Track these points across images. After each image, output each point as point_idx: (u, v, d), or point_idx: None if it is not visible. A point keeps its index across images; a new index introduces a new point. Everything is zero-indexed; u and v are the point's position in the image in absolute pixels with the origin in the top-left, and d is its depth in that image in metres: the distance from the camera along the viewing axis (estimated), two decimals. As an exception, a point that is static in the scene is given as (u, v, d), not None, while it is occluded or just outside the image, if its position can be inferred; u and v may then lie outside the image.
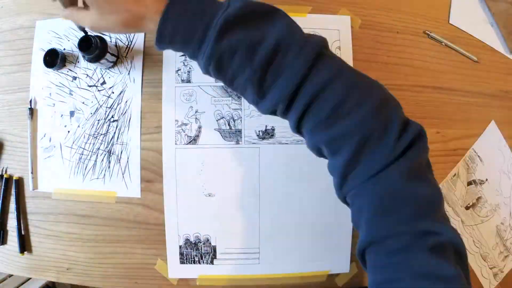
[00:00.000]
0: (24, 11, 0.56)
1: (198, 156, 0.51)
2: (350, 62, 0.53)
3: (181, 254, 0.52)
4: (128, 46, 0.53)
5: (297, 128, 0.34)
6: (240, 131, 0.52)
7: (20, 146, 0.54)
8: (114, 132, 0.52)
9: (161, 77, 0.52)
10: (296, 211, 0.52)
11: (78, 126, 0.53)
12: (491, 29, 0.58)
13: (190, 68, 0.52)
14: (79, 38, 0.47)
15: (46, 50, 0.52)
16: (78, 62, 0.54)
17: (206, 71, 0.34)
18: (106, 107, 0.53)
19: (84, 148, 0.52)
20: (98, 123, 0.52)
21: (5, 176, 0.53)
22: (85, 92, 0.53)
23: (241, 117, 0.52)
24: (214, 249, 0.52)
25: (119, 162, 0.52)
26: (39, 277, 0.54)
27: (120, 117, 0.52)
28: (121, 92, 0.53)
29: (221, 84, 0.52)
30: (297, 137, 0.52)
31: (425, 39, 0.56)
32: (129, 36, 0.53)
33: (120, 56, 0.53)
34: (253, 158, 0.52)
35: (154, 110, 0.52)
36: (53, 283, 0.96)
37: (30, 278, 0.87)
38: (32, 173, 0.53)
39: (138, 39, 0.53)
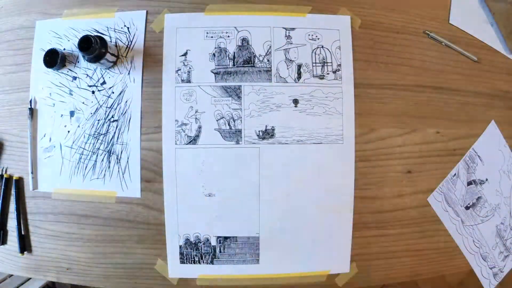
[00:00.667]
0: (24, 11, 0.56)
1: (198, 156, 0.51)
2: (350, 62, 0.53)
3: (181, 254, 0.52)
4: (128, 46, 0.53)
5: None
6: (240, 131, 0.52)
7: (20, 146, 0.54)
8: (114, 132, 0.52)
9: (161, 77, 0.52)
10: (296, 211, 0.52)
11: (78, 126, 0.53)
12: (491, 29, 0.58)
13: (190, 68, 0.52)
14: (79, 38, 0.47)
15: (46, 50, 0.52)
16: (78, 62, 0.54)
17: None
18: (106, 107, 0.53)
19: (84, 148, 0.52)
20: (98, 123, 0.52)
21: (5, 176, 0.53)
22: (85, 92, 0.53)
23: (241, 117, 0.52)
24: (214, 249, 0.52)
25: (119, 162, 0.52)
26: (39, 277, 0.54)
27: (120, 117, 0.52)
28: (121, 92, 0.53)
29: (221, 84, 0.52)
30: (297, 137, 0.52)
31: (425, 39, 0.56)
32: (129, 36, 0.53)
33: (120, 56, 0.53)
34: (253, 158, 0.52)
35: (154, 110, 0.52)
36: (53, 283, 0.96)
37: (30, 278, 0.87)
38: (32, 173, 0.53)
39: (138, 39, 0.53)
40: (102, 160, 0.52)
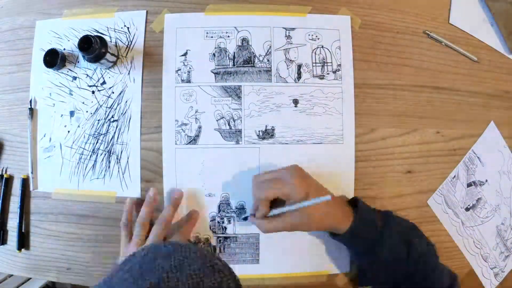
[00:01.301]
0: (24, 11, 0.56)
1: (198, 156, 0.51)
2: (350, 62, 0.53)
3: (181, 254, 0.52)
4: (128, 46, 0.53)
5: None
6: (240, 131, 0.52)
7: (20, 146, 0.54)
8: (114, 132, 0.52)
9: (161, 77, 0.52)
10: (296, 211, 0.52)
11: (78, 126, 0.53)
12: (491, 29, 0.58)
13: (190, 68, 0.52)
14: (79, 38, 0.47)
15: (46, 50, 0.52)
16: (78, 62, 0.54)
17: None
18: (106, 107, 0.53)
19: (84, 148, 0.52)
20: (98, 123, 0.53)
21: (5, 176, 0.53)
22: (85, 92, 0.53)
23: (241, 117, 0.52)
24: (214, 249, 0.52)
25: (119, 162, 0.52)
26: (39, 277, 0.54)
27: (120, 117, 0.52)
28: (121, 92, 0.53)
29: (221, 84, 0.52)
30: (297, 137, 0.52)
31: (425, 39, 0.56)
32: (129, 36, 0.53)
33: (120, 56, 0.53)
34: (253, 158, 0.52)
35: (154, 110, 0.52)
36: (53, 283, 0.96)
37: (30, 278, 0.87)
38: (32, 173, 0.53)
39: (138, 39, 0.53)
40: (102, 160, 0.52)
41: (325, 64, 0.53)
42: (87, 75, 0.53)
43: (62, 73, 0.54)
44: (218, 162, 0.51)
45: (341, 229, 0.44)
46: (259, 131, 0.52)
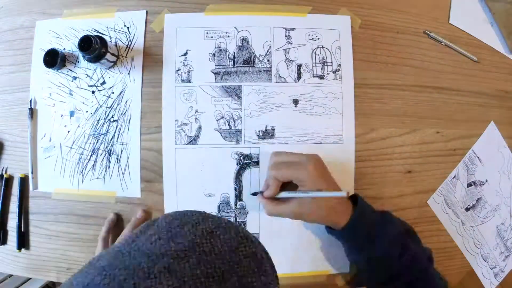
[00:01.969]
0: (24, 11, 0.56)
1: (198, 156, 0.51)
2: (350, 62, 0.53)
3: (181, 254, 0.52)
4: (128, 46, 0.53)
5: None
6: (240, 131, 0.52)
7: (20, 146, 0.54)
8: (114, 132, 0.52)
9: (161, 77, 0.52)
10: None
11: (78, 126, 0.53)
12: (491, 29, 0.58)
13: (190, 68, 0.52)
14: (79, 38, 0.47)
15: (46, 50, 0.52)
16: (78, 62, 0.54)
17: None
18: (106, 107, 0.53)
19: (84, 148, 0.52)
20: (98, 123, 0.52)
21: (5, 176, 0.53)
22: (85, 92, 0.53)
23: (241, 117, 0.52)
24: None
25: (119, 162, 0.52)
26: (39, 277, 0.54)
27: (120, 117, 0.52)
28: (121, 92, 0.53)
29: (221, 84, 0.52)
30: (297, 137, 0.52)
31: (425, 39, 0.56)
32: (129, 36, 0.53)
33: (120, 56, 0.53)
34: (253, 158, 0.52)
35: (154, 110, 0.52)
36: (53, 283, 0.96)
37: (30, 278, 0.87)
38: (32, 173, 0.53)
39: (138, 39, 0.53)
40: (102, 160, 0.52)
41: (325, 64, 0.53)
42: (87, 75, 0.53)
43: (62, 73, 0.54)
44: (218, 162, 0.51)
45: (339, 224, 0.44)
46: (259, 131, 0.52)
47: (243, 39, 0.53)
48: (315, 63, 0.53)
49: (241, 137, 0.52)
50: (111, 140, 0.52)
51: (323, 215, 0.44)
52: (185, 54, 0.53)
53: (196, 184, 0.51)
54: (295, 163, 0.44)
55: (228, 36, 0.53)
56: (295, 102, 0.52)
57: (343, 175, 0.52)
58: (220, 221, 0.27)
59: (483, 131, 0.57)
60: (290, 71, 0.53)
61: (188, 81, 0.52)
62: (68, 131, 0.53)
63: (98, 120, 0.52)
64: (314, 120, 0.52)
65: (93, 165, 0.52)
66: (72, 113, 0.53)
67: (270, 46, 0.53)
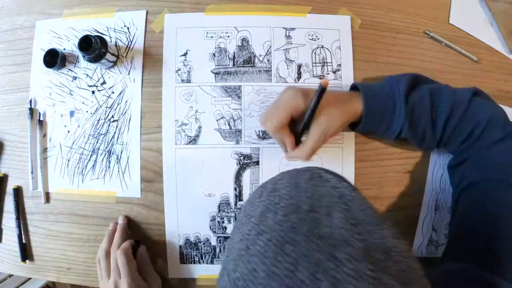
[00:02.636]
0: (24, 11, 0.56)
1: (198, 156, 0.51)
2: (350, 62, 0.53)
3: (181, 254, 0.52)
4: (128, 46, 0.53)
5: None
6: (240, 131, 0.52)
7: (20, 146, 0.54)
8: (114, 132, 0.52)
9: (161, 77, 0.52)
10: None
11: (78, 126, 0.53)
12: (491, 29, 0.58)
13: (190, 68, 0.52)
14: (79, 38, 0.47)
15: (46, 50, 0.52)
16: (78, 62, 0.54)
17: (401, 130, 0.45)
18: (106, 107, 0.53)
19: (84, 148, 0.52)
20: (98, 123, 0.53)
21: None
22: (85, 92, 0.53)
23: (241, 117, 0.52)
24: (214, 249, 0.52)
25: (119, 162, 0.52)
26: (39, 277, 0.54)
27: (120, 117, 0.52)
28: (121, 92, 0.53)
29: (221, 84, 0.52)
30: (297, 137, 0.52)
31: (425, 39, 0.56)
32: (129, 36, 0.53)
33: (120, 56, 0.53)
34: (253, 158, 0.52)
35: (154, 110, 0.52)
36: (53, 283, 0.96)
37: (30, 278, 0.87)
38: (32, 173, 0.53)
39: (138, 39, 0.53)
40: (102, 160, 0.52)
41: (325, 64, 0.53)
42: (87, 75, 0.53)
43: (62, 73, 0.54)
44: (218, 162, 0.51)
45: (358, 108, 0.44)
46: (259, 131, 0.52)
47: (243, 39, 0.53)
48: (315, 63, 0.53)
49: (241, 137, 0.52)
50: (111, 140, 0.52)
51: (339, 113, 0.43)
52: (185, 54, 0.53)
53: (196, 184, 0.51)
54: (277, 103, 0.44)
55: (228, 36, 0.53)
56: (295, 102, 0.52)
57: (343, 175, 0.52)
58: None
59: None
60: (290, 71, 0.53)
61: (188, 81, 0.52)
62: (68, 131, 0.53)
63: (98, 120, 0.52)
64: (314, 120, 0.52)
65: (93, 165, 0.52)
66: (72, 113, 0.53)
67: (270, 46, 0.53)
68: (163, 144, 0.52)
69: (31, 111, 0.53)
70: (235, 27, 0.53)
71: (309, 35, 0.53)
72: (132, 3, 0.54)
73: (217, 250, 0.52)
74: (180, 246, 0.52)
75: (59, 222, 0.53)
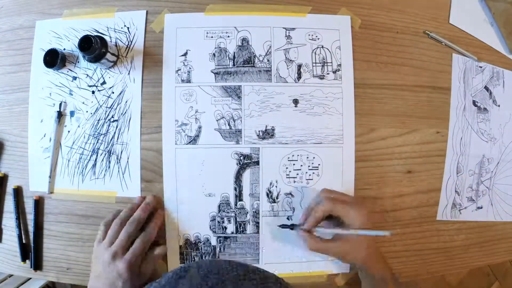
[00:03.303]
0: (24, 11, 0.56)
1: (198, 156, 0.51)
2: (350, 62, 0.53)
3: (181, 254, 0.52)
4: (128, 46, 0.53)
5: None
6: (240, 131, 0.52)
7: (20, 146, 0.54)
8: (114, 132, 0.52)
9: (161, 77, 0.52)
10: (296, 211, 0.52)
11: (78, 126, 0.53)
12: (491, 29, 0.58)
13: (190, 68, 0.52)
14: (79, 38, 0.47)
15: (46, 50, 0.52)
16: (78, 62, 0.54)
17: None
18: (106, 107, 0.53)
19: (84, 148, 0.52)
20: (98, 123, 0.53)
21: None
22: (85, 92, 0.53)
23: (241, 117, 0.52)
24: (214, 249, 0.52)
25: (119, 162, 0.52)
26: (39, 277, 0.54)
27: (120, 117, 0.52)
28: (121, 92, 0.53)
29: (221, 84, 0.52)
30: (297, 137, 0.52)
31: (425, 39, 0.56)
32: (129, 36, 0.53)
33: (120, 56, 0.53)
34: (253, 158, 0.52)
35: (154, 110, 0.52)
36: (53, 283, 0.96)
37: (30, 278, 0.87)
38: (50, 177, 0.52)
39: (138, 39, 0.53)
40: (102, 160, 0.52)
41: (325, 64, 0.53)
42: (87, 75, 0.53)
43: (62, 73, 0.54)
44: (218, 162, 0.51)
45: (372, 270, 0.45)
46: (259, 131, 0.52)
47: (243, 39, 0.53)
48: (315, 63, 0.53)
49: (241, 137, 0.52)
50: (111, 140, 0.52)
51: (365, 256, 0.45)
52: (185, 54, 0.53)
53: (196, 184, 0.51)
54: (351, 202, 0.47)
55: (228, 36, 0.53)
56: (295, 102, 0.52)
57: (343, 175, 0.52)
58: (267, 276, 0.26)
59: (483, 131, 0.57)
60: (290, 71, 0.53)
61: (188, 81, 0.52)
62: (68, 131, 0.53)
63: (98, 120, 0.53)
64: (314, 120, 0.52)
65: (93, 165, 0.52)
66: (72, 113, 0.53)
67: (270, 46, 0.53)
68: (163, 144, 0.52)
69: (59, 114, 0.53)
70: (235, 27, 0.53)
71: (309, 35, 0.54)
72: (132, 3, 0.54)
73: (217, 250, 0.52)
74: (180, 246, 0.52)
75: (59, 222, 0.53)
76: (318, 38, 0.54)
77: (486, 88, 0.56)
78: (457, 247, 0.55)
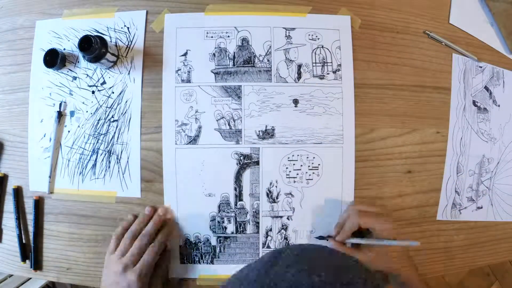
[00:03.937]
0: (24, 11, 0.56)
1: (198, 156, 0.51)
2: (350, 62, 0.53)
3: (181, 254, 0.52)
4: (128, 46, 0.53)
5: None
6: (240, 131, 0.52)
7: (20, 146, 0.54)
8: (114, 132, 0.52)
9: (161, 77, 0.52)
10: (296, 211, 0.52)
11: (78, 126, 0.53)
12: (491, 29, 0.58)
13: (190, 68, 0.52)
14: (79, 38, 0.47)
15: (46, 50, 0.52)
16: (78, 62, 0.54)
17: None
18: (106, 107, 0.53)
19: (84, 148, 0.52)
20: (98, 123, 0.53)
21: None
22: (85, 92, 0.53)
23: (241, 117, 0.52)
24: (214, 249, 0.52)
25: (119, 162, 0.52)
26: (39, 277, 0.54)
27: (120, 117, 0.52)
28: (121, 92, 0.53)
29: (221, 84, 0.52)
30: (297, 137, 0.52)
31: (425, 39, 0.56)
32: (129, 36, 0.53)
33: (120, 56, 0.53)
34: (253, 158, 0.52)
35: (154, 110, 0.52)
36: (53, 283, 0.96)
37: (30, 278, 0.87)
38: (50, 177, 0.52)
39: (138, 39, 0.53)
40: (102, 160, 0.52)
41: (325, 64, 0.53)
42: (87, 75, 0.53)
43: (62, 73, 0.54)
44: (218, 162, 0.51)
45: (407, 280, 0.47)
46: (259, 131, 0.52)
47: (243, 39, 0.53)
48: (315, 63, 0.53)
49: (241, 137, 0.52)
50: (111, 140, 0.52)
51: (389, 265, 0.47)
52: (185, 54, 0.53)
53: (196, 184, 0.51)
54: (377, 214, 0.48)
55: (228, 36, 0.53)
56: (295, 102, 0.52)
57: (343, 175, 0.52)
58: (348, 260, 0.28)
59: (483, 131, 0.57)
60: (290, 71, 0.53)
61: (188, 81, 0.52)
62: (68, 131, 0.53)
63: (98, 120, 0.53)
64: (314, 120, 0.52)
65: (93, 165, 0.52)
66: (72, 113, 0.53)
67: (270, 46, 0.53)
68: (163, 144, 0.52)
69: (59, 114, 0.53)
70: (235, 27, 0.53)
71: (309, 35, 0.54)
72: (132, 3, 0.54)
73: (217, 250, 0.52)
74: (180, 246, 0.52)
75: (59, 222, 0.53)
76: (318, 38, 0.54)
77: (486, 88, 0.56)
78: (457, 247, 0.55)
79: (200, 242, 0.52)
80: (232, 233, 0.52)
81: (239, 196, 0.52)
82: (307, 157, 0.52)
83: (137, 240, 0.46)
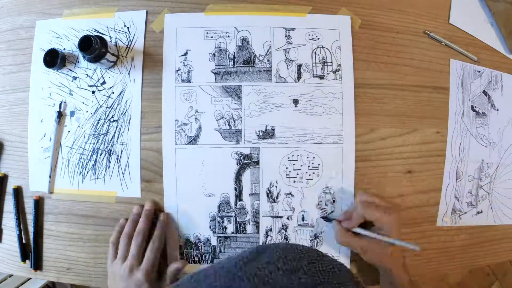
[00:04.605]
0: (24, 11, 0.56)
1: (198, 156, 0.51)
2: (350, 62, 0.53)
3: (181, 254, 0.52)
4: (128, 46, 0.53)
5: None
6: (240, 131, 0.52)
7: (20, 146, 0.54)
8: (114, 132, 0.52)
9: (161, 77, 0.52)
10: (296, 211, 0.52)
11: (78, 126, 0.53)
12: (491, 29, 0.58)
13: (190, 68, 0.52)
14: (79, 38, 0.47)
15: (46, 50, 0.52)
16: (78, 62, 0.54)
17: None
18: (106, 107, 0.53)
19: (84, 148, 0.52)
20: (98, 123, 0.53)
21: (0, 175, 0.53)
22: (85, 92, 0.53)
23: (241, 117, 0.52)
24: (214, 249, 0.52)
25: (119, 162, 0.52)
26: (39, 277, 0.54)
27: (120, 117, 0.52)
28: (121, 92, 0.53)
29: (221, 84, 0.52)
30: (297, 137, 0.52)
31: (425, 39, 0.56)
32: (129, 36, 0.53)
33: (120, 56, 0.53)
34: (253, 158, 0.52)
35: (154, 110, 0.52)
36: (53, 283, 0.96)
37: (30, 278, 0.87)
38: (50, 177, 0.52)
39: (138, 39, 0.53)
40: (102, 160, 0.52)
41: (325, 64, 0.53)
42: (87, 75, 0.53)
43: (62, 73, 0.54)
44: (218, 162, 0.51)
45: (389, 272, 0.46)
46: (259, 131, 0.52)
47: (243, 39, 0.53)
48: (315, 63, 0.53)
49: (241, 137, 0.52)
50: (111, 140, 0.52)
51: (391, 261, 0.46)
52: (185, 54, 0.53)
53: (196, 184, 0.51)
54: (385, 208, 0.47)
55: (228, 36, 0.53)
56: (295, 102, 0.52)
57: (343, 175, 0.52)
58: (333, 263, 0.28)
59: (483, 131, 0.57)
60: (290, 71, 0.53)
61: (188, 81, 0.52)
62: (68, 131, 0.53)
63: (98, 120, 0.53)
64: (314, 120, 0.52)
65: (93, 165, 0.52)
66: (72, 113, 0.53)
67: (270, 46, 0.53)
68: (163, 144, 0.52)
69: (59, 114, 0.53)
70: (235, 27, 0.53)
71: (309, 35, 0.54)
72: (132, 3, 0.54)
73: (217, 250, 0.52)
74: (180, 246, 0.52)
75: (59, 222, 0.53)
76: (318, 38, 0.54)
77: (485, 92, 0.56)
78: (457, 247, 0.55)
79: (200, 242, 0.52)
80: (232, 233, 0.52)
81: (239, 196, 0.52)
82: (307, 157, 0.52)
83: (133, 241, 0.46)
